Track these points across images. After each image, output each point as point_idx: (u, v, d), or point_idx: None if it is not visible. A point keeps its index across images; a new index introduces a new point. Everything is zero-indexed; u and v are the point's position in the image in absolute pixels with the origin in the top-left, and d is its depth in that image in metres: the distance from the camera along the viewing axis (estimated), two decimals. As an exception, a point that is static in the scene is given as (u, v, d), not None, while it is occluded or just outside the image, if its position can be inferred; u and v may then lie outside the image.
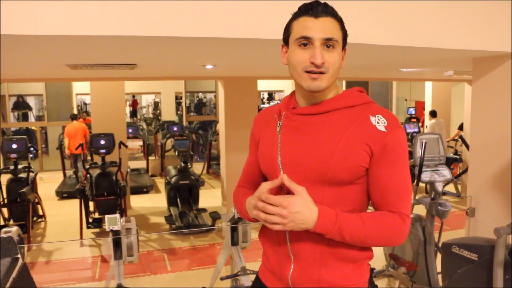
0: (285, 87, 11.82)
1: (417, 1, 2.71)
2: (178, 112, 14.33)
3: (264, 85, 12.13)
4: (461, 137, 6.98)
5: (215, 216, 6.01)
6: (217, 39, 2.38)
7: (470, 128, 3.67)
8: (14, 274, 1.89)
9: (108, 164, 6.13)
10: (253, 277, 1.57)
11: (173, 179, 6.62)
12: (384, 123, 1.28)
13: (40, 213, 6.74)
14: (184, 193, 6.78)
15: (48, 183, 9.44)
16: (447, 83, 9.60)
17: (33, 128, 12.25)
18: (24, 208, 5.80)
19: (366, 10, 2.57)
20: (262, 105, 15.65)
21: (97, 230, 6.23)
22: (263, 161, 1.44)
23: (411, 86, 14.12)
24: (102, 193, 6.02)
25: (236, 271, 3.35)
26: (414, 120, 10.50)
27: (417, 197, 3.83)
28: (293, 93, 1.44)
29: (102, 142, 6.17)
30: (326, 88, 1.30)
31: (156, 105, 16.68)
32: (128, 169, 6.97)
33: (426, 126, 9.55)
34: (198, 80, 13.19)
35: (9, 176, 6.05)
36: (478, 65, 3.50)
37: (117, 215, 3.17)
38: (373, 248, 1.38)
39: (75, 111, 11.20)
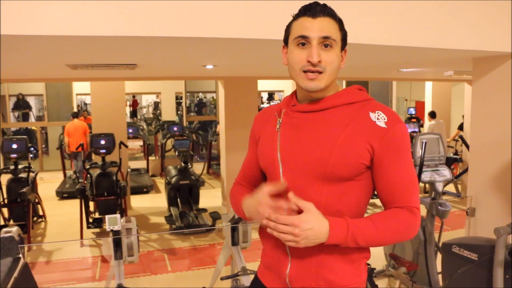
0: (285, 87, 11.82)
1: (417, 1, 2.71)
2: (178, 112, 14.33)
3: (264, 85, 12.13)
4: (461, 137, 6.98)
5: (215, 216, 6.01)
6: (217, 39, 2.38)
7: (470, 128, 3.67)
8: (15, 274, 1.89)
9: (108, 164, 6.13)
10: (253, 277, 1.57)
11: (173, 179, 6.62)
12: (384, 119, 1.28)
13: (40, 213, 6.74)
14: (184, 193, 6.78)
15: (48, 183, 9.44)
16: (447, 83, 9.59)
17: (33, 128, 12.25)
18: (24, 208, 5.79)
19: (366, 10, 2.57)
20: (262, 105, 15.64)
21: (97, 230, 6.23)
22: (262, 158, 1.44)
23: (411, 86, 14.12)
24: (102, 193, 6.02)
25: (237, 271, 3.35)
26: (414, 120, 10.50)
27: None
28: (294, 92, 1.44)
29: (102, 142, 6.17)
30: (325, 87, 1.30)
31: (156, 105, 16.68)
32: (128, 169, 6.98)
33: (423, 127, 9.55)
34: (198, 80, 13.18)
35: (9, 176, 6.04)
36: (478, 65, 3.50)
37: (118, 215, 3.18)
38: (372, 248, 1.39)
39: (75, 111, 11.20)
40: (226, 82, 6.33)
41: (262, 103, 16.53)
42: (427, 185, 5.88)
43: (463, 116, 9.00)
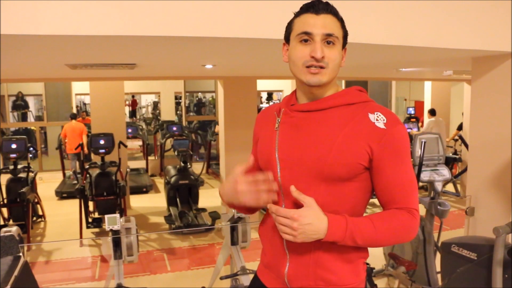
0: (285, 87, 11.82)
1: (417, 1, 2.71)
2: (178, 112, 14.33)
3: (263, 85, 12.13)
4: (460, 137, 6.98)
5: (215, 215, 6.01)
6: (216, 39, 2.38)
7: (470, 127, 3.68)
8: (16, 273, 1.89)
9: (108, 164, 6.13)
10: (252, 276, 1.58)
11: (173, 179, 6.62)
12: (384, 120, 1.28)
13: (40, 213, 6.74)
14: (183, 193, 6.77)
15: (47, 183, 9.44)
16: (446, 83, 9.60)
17: (32, 128, 12.24)
18: (23, 208, 5.79)
19: (366, 9, 2.57)
20: (261, 105, 15.65)
21: (96, 230, 6.23)
22: (261, 157, 1.44)
23: (410, 86, 14.13)
24: (101, 193, 6.01)
25: (236, 271, 3.36)
26: (414, 120, 10.51)
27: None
28: (294, 92, 1.44)
29: (102, 142, 6.17)
30: (326, 83, 1.31)
31: (156, 105, 16.67)
32: (127, 169, 6.97)
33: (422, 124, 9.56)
34: (198, 80, 13.18)
35: (8, 176, 6.04)
36: (477, 64, 3.51)
37: (117, 215, 3.18)
38: (372, 248, 1.39)
39: (74, 111, 11.20)
40: (226, 81, 6.33)
41: (261, 102, 16.53)
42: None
43: (462, 114, 9.01)
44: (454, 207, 6.92)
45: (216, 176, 9.98)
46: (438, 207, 3.58)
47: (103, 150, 6.15)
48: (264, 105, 15.87)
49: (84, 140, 8.50)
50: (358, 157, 1.27)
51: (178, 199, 6.69)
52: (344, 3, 2.26)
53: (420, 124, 10.38)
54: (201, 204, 6.91)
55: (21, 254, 2.04)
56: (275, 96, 16.73)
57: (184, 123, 12.03)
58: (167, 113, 13.38)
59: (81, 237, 5.91)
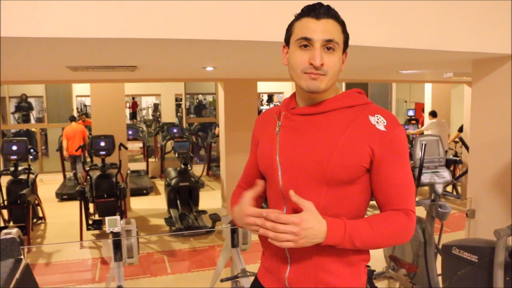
0: (285, 89, 11.83)
1: (417, 3, 2.72)
2: (178, 114, 14.33)
3: (263, 87, 12.14)
4: (460, 139, 6.98)
5: (215, 218, 6.00)
6: (217, 41, 2.38)
7: (470, 129, 3.68)
8: (17, 275, 1.89)
9: (108, 166, 6.13)
10: (253, 279, 1.57)
11: (173, 181, 6.62)
12: (384, 122, 1.29)
13: (40, 214, 6.74)
14: (184, 195, 6.77)
15: (48, 184, 9.43)
16: (446, 85, 9.60)
17: (33, 129, 12.25)
18: (24, 209, 5.78)
19: (366, 12, 2.57)
20: (261, 107, 15.65)
21: (97, 232, 6.22)
22: (261, 161, 1.44)
23: (410, 88, 14.13)
24: (102, 195, 6.01)
25: (236, 273, 3.35)
26: (414, 122, 10.51)
27: (417, 199, 3.83)
28: (293, 94, 1.44)
29: (102, 144, 6.17)
30: (325, 89, 1.30)
31: (156, 107, 16.68)
32: (128, 171, 6.97)
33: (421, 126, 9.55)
34: (198, 82, 13.19)
35: (9, 177, 6.04)
36: (478, 67, 3.51)
37: (117, 217, 3.18)
38: (372, 250, 1.39)
39: (75, 113, 11.20)
40: (226, 84, 6.34)
41: (262, 105, 16.54)
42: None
43: (458, 130, 9.03)
44: (454, 209, 6.91)
45: (216, 178, 9.97)
46: (439, 209, 3.57)
47: (103, 152, 6.15)
48: (265, 107, 15.89)
49: (86, 142, 8.50)
50: (360, 160, 1.27)
51: (178, 201, 6.68)
52: (345, 5, 2.26)
53: (420, 126, 10.38)
54: (202, 206, 6.90)
55: (22, 256, 2.04)
56: (275, 98, 16.75)
57: (185, 125, 12.04)
58: (168, 115, 13.39)
59: (81, 239, 5.91)
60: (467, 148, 6.18)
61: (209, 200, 7.75)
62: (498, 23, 3.01)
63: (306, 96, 1.34)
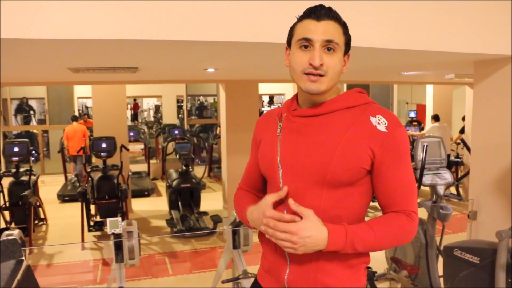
0: (286, 90, 11.84)
1: (419, 5, 2.72)
2: (179, 115, 14.35)
3: (265, 89, 12.15)
4: (462, 140, 6.97)
5: (217, 219, 6.00)
6: (218, 43, 2.39)
7: (472, 131, 3.67)
8: (19, 276, 1.89)
9: (110, 168, 6.14)
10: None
11: (175, 182, 6.62)
12: (385, 123, 1.28)
13: (42, 216, 6.75)
14: (185, 196, 6.77)
15: (49, 186, 9.45)
16: (448, 86, 9.60)
17: (34, 131, 12.27)
18: (25, 211, 5.80)
19: (368, 13, 2.57)
20: (262, 109, 15.65)
21: (98, 233, 6.23)
22: (262, 163, 1.44)
23: (412, 89, 14.13)
24: (103, 196, 6.02)
25: (238, 274, 3.35)
26: (415, 123, 10.50)
27: (418, 200, 3.82)
28: (295, 96, 1.44)
29: (104, 145, 6.18)
30: (325, 91, 1.30)
31: (157, 109, 16.70)
32: (129, 173, 6.98)
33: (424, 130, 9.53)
34: (200, 84, 13.21)
35: (10, 179, 6.05)
36: (479, 68, 3.51)
37: (119, 218, 3.18)
38: (374, 252, 1.38)
39: (76, 114, 11.22)
40: (227, 85, 6.34)
41: (263, 106, 16.54)
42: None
43: (462, 119, 9.00)
44: (456, 210, 6.91)
45: (218, 179, 9.97)
46: (440, 210, 3.56)
47: (105, 154, 6.16)
48: (266, 109, 15.88)
49: (87, 142, 8.51)
50: (360, 162, 1.27)
51: (180, 203, 6.69)
52: (346, 6, 2.26)
53: (421, 127, 10.37)
54: (203, 207, 6.90)
55: (23, 258, 2.04)
56: (275, 100, 16.75)
57: (186, 126, 12.04)
58: (169, 117, 13.41)
59: (82, 240, 5.91)
60: (468, 149, 6.17)
61: (211, 201, 7.75)
62: (500, 24, 3.01)
63: (307, 97, 1.34)
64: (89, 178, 6.13)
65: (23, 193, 5.69)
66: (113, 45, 2.44)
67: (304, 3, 1.35)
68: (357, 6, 2.52)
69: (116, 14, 2.11)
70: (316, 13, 1.27)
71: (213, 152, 10.77)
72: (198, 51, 2.83)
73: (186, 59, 3.38)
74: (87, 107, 15.26)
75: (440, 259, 3.53)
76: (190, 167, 6.88)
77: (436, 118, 8.71)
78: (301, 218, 1.26)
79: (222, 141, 6.77)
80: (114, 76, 5.02)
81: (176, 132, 9.69)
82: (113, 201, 6.02)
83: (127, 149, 6.98)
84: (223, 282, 3.38)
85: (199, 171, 9.28)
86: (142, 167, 10.69)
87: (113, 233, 3.15)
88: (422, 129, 10.06)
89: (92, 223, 6.23)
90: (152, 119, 17.20)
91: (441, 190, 3.64)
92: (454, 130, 10.00)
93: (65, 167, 9.82)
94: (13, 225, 6.01)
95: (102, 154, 6.15)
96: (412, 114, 11.24)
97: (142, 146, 12.36)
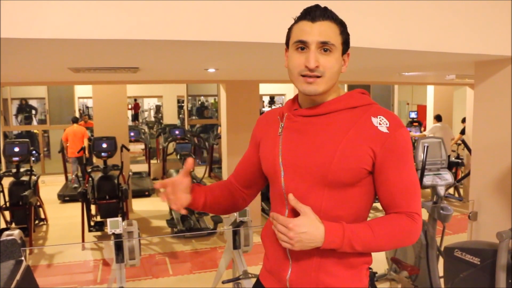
0: (287, 91, 11.84)
1: (419, 5, 2.71)
2: (180, 115, 14.35)
3: (266, 89, 12.15)
4: (463, 141, 6.98)
5: (217, 219, 6.01)
6: (219, 43, 2.38)
7: (472, 131, 3.67)
8: (18, 277, 1.89)
9: (110, 168, 6.14)
10: (254, 280, 1.57)
11: (175, 183, 6.60)
12: (386, 124, 1.28)
13: (42, 216, 6.75)
14: (186, 197, 6.76)
15: (50, 186, 9.45)
16: (449, 87, 9.59)
17: (35, 131, 12.27)
18: (26, 211, 5.80)
19: (368, 13, 2.57)
20: (263, 109, 15.65)
21: (99, 233, 6.23)
22: (264, 162, 1.44)
23: (413, 90, 14.13)
24: (104, 196, 6.02)
25: (238, 275, 3.35)
26: (416, 124, 10.49)
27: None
28: (296, 96, 1.43)
29: (104, 145, 6.18)
30: (323, 92, 1.29)
31: (158, 109, 16.70)
32: (130, 173, 6.98)
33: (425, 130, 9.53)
34: (200, 84, 13.21)
35: (11, 179, 6.06)
36: (480, 68, 3.50)
37: (119, 219, 3.18)
38: (374, 252, 1.38)
39: (77, 115, 11.23)
40: (228, 85, 6.34)
41: (264, 106, 16.54)
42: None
43: (462, 121, 9.00)
44: (457, 211, 6.90)
45: (218, 179, 9.98)
46: (441, 211, 3.56)
47: (105, 154, 6.16)
48: (267, 109, 15.87)
49: (86, 143, 8.51)
50: (361, 162, 1.27)
51: (180, 203, 6.67)
52: (346, 6, 2.26)
53: (422, 128, 10.36)
54: (203, 207, 6.89)
55: (23, 258, 2.04)
56: (276, 100, 16.74)
57: (187, 126, 12.04)
58: (170, 117, 13.41)
59: (83, 240, 5.91)
60: (469, 150, 6.17)
61: (211, 201, 7.74)
62: (501, 25, 3.01)
63: (307, 97, 1.34)
64: (90, 178, 6.13)
65: (24, 193, 5.69)
66: (113, 45, 2.44)
67: (305, 3, 1.35)
68: (358, 6, 2.52)
69: (116, 14, 2.11)
70: (311, 14, 1.26)
71: (213, 152, 10.78)
72: (199, 51, 2.83)
73: (187, 59, 3.38)
74: (87, 107, 15.26)
75: (441, 260, 3.53)
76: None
77: (438, 118, 8.71)
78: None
79: (222, 142, 6.77)
80: (115, 76, 5.02)
81: (177, 132, 9.69)
82: (113, 201, 6.02)
83: (128, 149, 6.98)
84: (223, 282, 3.38)
85: (199, 171, 9.29)
86: (142, 167, 10.69)
87: (113, 233, 3.16)
88: (424, 129, 10.05)
89: (92, 223, 6.24)
90: (152, 119, 17.20)
91: (441, 190, 3.64)
92: (454, 131, 10.00)
93: (66, 167, 9.82)
94: (13, 225, 6.02)
95: (102, 154, 6.15)
96: (413, 115, 11.23)
97: (142, 146, 12.36)
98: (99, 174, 6.11)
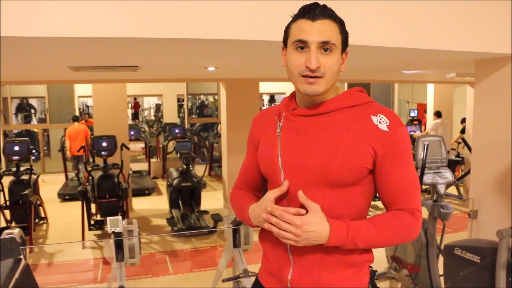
0: (287, 89, 11.83)
1: (420, 3, 2.71)
2: (180, 114, 14.34)
3: (265, 87, 12.14)
4: (463, 140, 6.97)
5: (217, 218, 6.00)
6: (219, 41, 2.38)
7: (473, 130, 3.67)
8: (17, 275, 1.89)
9: (110, 166, 6.14)
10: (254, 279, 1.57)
11: (175, 181, 6.62)
12: (386, 122, 1.28)
13: (42, 215, 6.74)
14: (186, 195, 6.77)
15: (50, 185, 9.45)
16: (449, 85, 9.58)
17: (35, 130, 12.27)
18: (26, 210, 5.80)
19: (368, 12, 2.57)
20: (263, 107, 15.64)
21: (99, 232, 6.23)
22: (263, 163, 1.42)
23: (413, 88, 14.11)
24: (104, 195, 6.02)
25: (238, 273, 3.35)
26: (416, 122, 10.49)
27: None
28: (293, 94, 1.42)
29: (104, 144, 6.18)
30: (324, 92, 1.28)
31: (158, 107, 16.69)
32: (130, 171, 6.98)
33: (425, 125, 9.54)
34: (200, 82, 13.21)
35: (11, 178, 6.06)
36: (481, 67, 3.50)
37: (119, 217, 3.18)
38: (374, 250, 1.38)
39: (77, 113, 11.22)
40: (228, 84, 6.34)
41: (264, 105, 16.53)
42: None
43: (461, 121, 9.00)
44: (457, 210, 6.90)
45: (218, 178, 9.97)
46: (441, 210, 3.56)
47: (105, 152, 6.16)
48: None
49: (88, 141, 8.52)
50: (363, 161, 1.27)
51: (180, 202, 6.69)
52: (345, 5, 2.26)
53: (423, 127, 10.36)
54: (203, 206, 6.90)
55: (22, 256, 2.04)
56: (277, 98, 16.73)
57: (187, 125, 12.04)
58: (170, 116, 13.40)
59: (83, 239, 5.92)
60: (469, 149, 6.16)
61: (211, 200, 7.75)
62: (501, 23, 3.00)
63: (305, 97, 1.33)
64: (90, 177, 6.14)
65: (24, 192, 5.69)
66: (113, 43, 2.44)
67: (305, 1, 1.34)
68: (358, 4, 2.52)
69: (116, 12, 2.11)
70: (311, 12, 1.24)
71: (213, 151, 10.77)
72: (199, 49, 2.82)
73: (186, 58, 3.37)
74: (87, 106, 15.25)
75: (441, 258, 3.53)
76: (190, 166, 6.88)
77: (438, 114, 8.72)
78: (307, 211, 1.26)
79: (222, 140, 6.77)
80: (115, 75, 5.01)
81: (177, 131, 9.68)
82: (113, 200, 6.02)
83: (128, 148, 6.98)
84: (223, 281, 3.38)
85: (199, 170, 9.29)
86: (142, 166, 10.69)
87: (113, 232, 3.15)
88: (425, 127, 10.05)
89: (92, 222, 6.24)
90: (152, 118, 17.20)
91: (441, 189, 3.63)
92: (454, 129, 9.99)
93: (66, 166, 9.82)
94: (13, 224, 6.02)
95: (102, 153, 6.15)
96: (413, 113, 11.23)
97: (142, 145, 12.36)
98: (99, 173, 6.11)
